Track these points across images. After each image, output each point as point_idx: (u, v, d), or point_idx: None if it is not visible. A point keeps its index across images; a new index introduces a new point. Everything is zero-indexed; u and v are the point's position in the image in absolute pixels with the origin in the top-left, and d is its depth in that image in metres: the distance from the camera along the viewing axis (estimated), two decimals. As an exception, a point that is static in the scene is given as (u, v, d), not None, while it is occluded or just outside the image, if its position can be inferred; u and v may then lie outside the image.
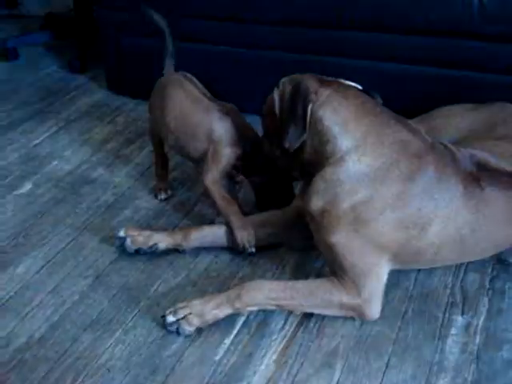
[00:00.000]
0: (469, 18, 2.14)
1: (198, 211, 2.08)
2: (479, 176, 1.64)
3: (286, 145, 1.63)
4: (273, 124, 1.71)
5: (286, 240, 1.89)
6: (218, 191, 1.88)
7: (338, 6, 2.29)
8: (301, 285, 1.64)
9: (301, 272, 1.80)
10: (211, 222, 1.99)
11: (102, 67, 2.93)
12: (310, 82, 1.63)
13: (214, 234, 1.88)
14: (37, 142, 2.53)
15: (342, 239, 1.59)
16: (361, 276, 1.58)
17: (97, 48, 2.95)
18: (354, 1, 2.27)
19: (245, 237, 1.82)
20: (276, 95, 1.68)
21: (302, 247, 1.86)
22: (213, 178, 1.88)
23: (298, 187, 1.93)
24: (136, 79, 2.79)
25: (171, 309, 1.61)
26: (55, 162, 2.38)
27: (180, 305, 1.61)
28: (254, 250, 1.82)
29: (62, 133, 2.59)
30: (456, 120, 2.00)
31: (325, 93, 1.61)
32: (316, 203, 1.63)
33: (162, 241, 1.86)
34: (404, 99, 2.20)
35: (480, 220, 1.63)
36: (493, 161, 1.68)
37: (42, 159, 2.40)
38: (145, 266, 1.83)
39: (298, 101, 1.61)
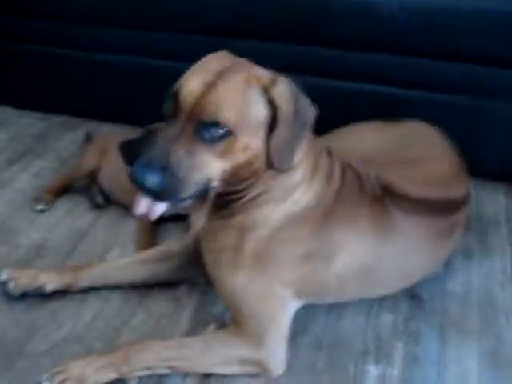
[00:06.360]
0: (395, 32, 2.03)
1: (83, 249, 1.86)
2: (386, 200, 1.55)
3: None
4: None
5: (192, 274, 1.72)
6: None
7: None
8: (196, 341, 1.47)
9: (200, 318, 1.62)
10: (100, 260, 1.79)
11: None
12: None
13: (106, 271, 1.72)
14: None
15: (242, 280, 1.44)
16: (263, 323, 1.44)
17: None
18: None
19: None
20: None
21: (207, 282, 1.67)
22: None
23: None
24: (20, 88, 2.53)
25: (47, 374, 1.41)
26: None
27: (56, 369, 1.42)
28: None
29: None
30: (368, 137, 1.88)
31: None
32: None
33: (50, 281, 1.67)
34: (336, 115, 2.00)
35: (387, 246, 1.53)
36: (398, 185, 1.58)
37: None
38: (22, 318, 1.61)
39: None
